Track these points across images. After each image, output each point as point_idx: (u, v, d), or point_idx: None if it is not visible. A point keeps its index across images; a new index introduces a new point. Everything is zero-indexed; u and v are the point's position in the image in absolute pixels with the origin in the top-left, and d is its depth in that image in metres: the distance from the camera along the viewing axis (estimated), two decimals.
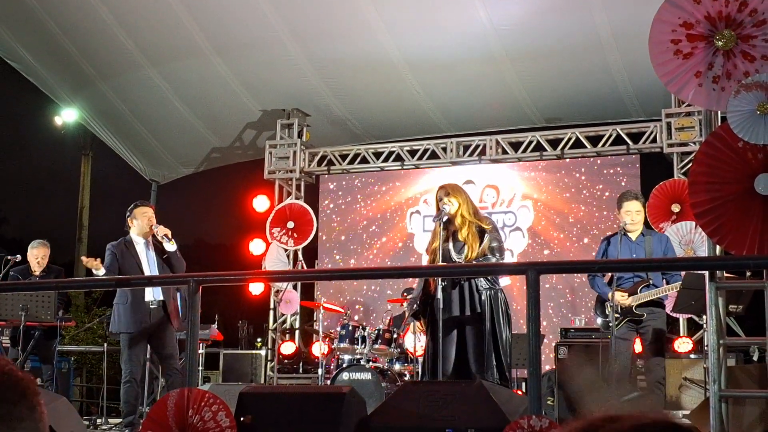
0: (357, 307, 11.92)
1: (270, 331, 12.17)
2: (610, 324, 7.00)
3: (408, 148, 12.24)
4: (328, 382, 8.71)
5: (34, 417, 1.47)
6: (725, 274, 4.80)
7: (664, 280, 6.98)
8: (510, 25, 10.23)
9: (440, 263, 6.38)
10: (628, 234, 6.95)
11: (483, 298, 6.29)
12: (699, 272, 6.21)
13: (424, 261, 11.48)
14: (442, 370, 6.20)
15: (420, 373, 7.76)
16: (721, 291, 4.55)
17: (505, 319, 6.38)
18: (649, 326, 6.88)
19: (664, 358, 7.17)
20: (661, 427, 1.24)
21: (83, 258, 7.37)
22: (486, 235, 6.35)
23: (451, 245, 6.37)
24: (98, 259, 7.09)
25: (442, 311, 6.23)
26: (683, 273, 6.96)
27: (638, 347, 7.18)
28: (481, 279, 6.31)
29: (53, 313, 8.34)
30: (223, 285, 10.96)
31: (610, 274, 7.10)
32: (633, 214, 6.98)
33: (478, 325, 6.27)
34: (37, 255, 8.85)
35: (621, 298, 6.83)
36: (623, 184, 10.99)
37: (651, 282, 6.91)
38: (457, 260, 6.36)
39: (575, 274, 10.59)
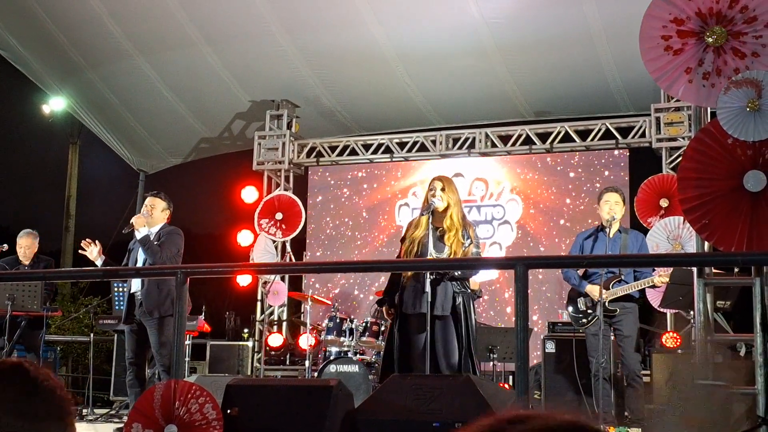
0: (344, 299, 11.92)
1: (257, 323, 12.15)
2: (582, 319, 7.04)
3: (397, 141, 12.22)
4: (315, 374, 8.70)
5: None
6: (713, 270, 4.80)
7: (634, 277, 7.03)
8: (501, 18, 10.21)
9: (418, 257, 6.36)
10: (605, 230, 6.98)
11: (459, 301, 6.32)
12: (687, 268, 6.24)
13: None
14: (410, 364, 6.23)
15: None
16: (709, 287, 4.56)
17: (472, 321, 6.43)
18: (621, 321, 6.94)
19: (641, 354, 7.22)
20: (568, 429, 1.21)
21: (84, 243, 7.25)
22: (467, 241, 6.35)
23: (431, 243, 6.28)
24: (95, 248, 7.10)
25: (414, 306, 6.26)
26: (656, 270, 7.01)
27: None
28: (457, 283, 6.31)
29: (39, 303, 8.32)
30: (210, 277, 10.95)
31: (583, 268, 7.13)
32: (611, 204, 7.04)
33: (451, 325, 6.29)
34: (23, 245, 8.82)
35: (595, 292, 6.85)
36: (612, 178, 11.01)
37: (622, 278, 6.96)
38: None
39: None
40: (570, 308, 7.24)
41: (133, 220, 7.23)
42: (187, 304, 7.19)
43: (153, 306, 7.02)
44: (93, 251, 7.14)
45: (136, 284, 7.18)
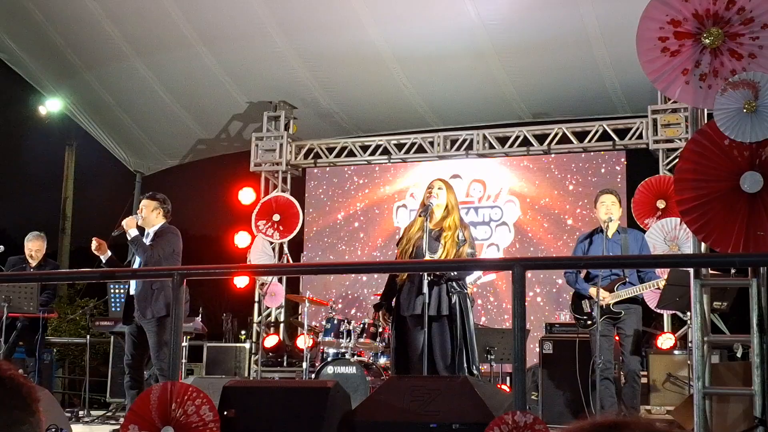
0: (342, 300, 11.90)
1: (255, 324, 12.13)
2: (590, 320, 7.03)
3: (395, 142, 12.23)
4: (313, 375, 8.69)
5: (33, 422, 1.53)
6: (710, 271, 4.81)
7: (638, 278, 7.04)
8: (498, 19, 10.22)
9: (413, 258, 6.38)
10: (603, 232, 7.03)
11: (453, 301, 6.33)
12: (684, 269, 6.25)
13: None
14: (408, 366, 6.26)
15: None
16: (705, 288, 4.56)
17: (469, 320, 6.45)
18: (625, 323, 6.95)
19: (641, 354, 7.23)
20: None
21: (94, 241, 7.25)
22: (462, 243, 6.37)
23: (425, 243, 6.30)
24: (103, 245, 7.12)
25: (409, 308, 6.30)
26: (659, 270, 7.01)
27: None
28: (453, 283, 6.34)
29: (36, 305, 8.31)
30: (207, 278, 10.93)
31: (585, 270, 7.15)
32: (608, 205, 7.11)
33: (447, 326, 6.31)
34: (31, 248, 8.85)
35: (602, 298, 6.87)
36: (609, 179, 11.02)
37: (627, 279, 6.97)
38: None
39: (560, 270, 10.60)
40: (574, 311, 7.25)
41: (124, 222, 7.24)
42: (184, 305, 7.24)
43: (145, 307, 7.05)
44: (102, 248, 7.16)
45: (133, 286, 7.21)
